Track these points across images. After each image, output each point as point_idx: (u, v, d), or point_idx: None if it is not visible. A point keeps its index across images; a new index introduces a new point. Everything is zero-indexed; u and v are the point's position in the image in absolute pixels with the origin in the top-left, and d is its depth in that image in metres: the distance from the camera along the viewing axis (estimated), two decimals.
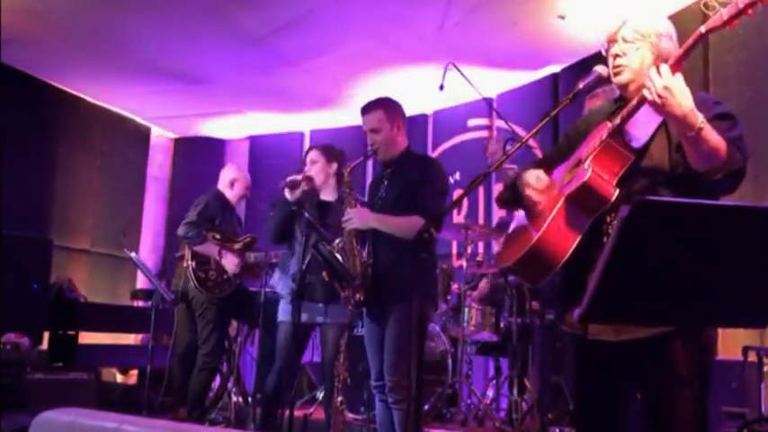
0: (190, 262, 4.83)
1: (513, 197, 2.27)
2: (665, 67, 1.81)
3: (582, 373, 2.19)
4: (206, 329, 4.79)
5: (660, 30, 2.09)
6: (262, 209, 4.82)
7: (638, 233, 1.45)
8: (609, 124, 2.04)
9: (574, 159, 2.14)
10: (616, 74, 2.11)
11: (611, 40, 2.13)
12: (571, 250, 1.98)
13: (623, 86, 2.12)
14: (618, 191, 1.96)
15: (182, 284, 4.88)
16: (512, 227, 2.32)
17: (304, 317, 3.94)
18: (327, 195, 4.13)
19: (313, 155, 4.12)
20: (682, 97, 1.79)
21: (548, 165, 2.27)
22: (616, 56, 2.10)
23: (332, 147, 4.21)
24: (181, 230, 4.84)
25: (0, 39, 5.63)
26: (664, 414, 1.95)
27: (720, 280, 1.53)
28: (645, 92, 1.84)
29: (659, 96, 1.80)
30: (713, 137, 1.82)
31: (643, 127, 2.04)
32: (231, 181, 5.06)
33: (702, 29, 1.81)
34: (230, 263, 4.83)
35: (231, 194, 5.06)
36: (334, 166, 4.10)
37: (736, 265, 1.51)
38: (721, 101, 2.05)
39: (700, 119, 1.80)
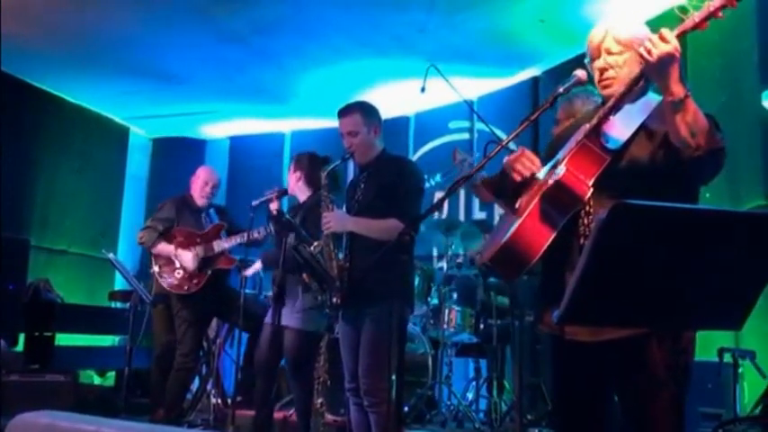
0: (154, 267, 4.92)
1: (500, 187, 2.27)
2: (668, 32, 1.83)
3: (559, 373, 2.20)
4: (182, 328, 4.80)
5: (641, 37, 2.09)
6: (243, 208, 4.80)
7: (616, 236, 1.46)
8: (587, 126, 2.05)
9: (554, 161, 2.15)
10: (605, 86, 2.11)
11: (596, 54, 2.12)
12: (545, 247, 1.98)
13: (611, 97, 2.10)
14: (591, 190, 1.97)
15: (155, 286, 4.93)
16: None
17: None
18: (301, 198, 4.44)
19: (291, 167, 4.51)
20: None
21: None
22: (603, 69, 2.10)
23: (298, 155, 4.54)
24: (137, 237, 4.99)
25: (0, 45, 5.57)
26: (641, 415, 1.97)
27: (696, 283, 1.54)
28: (642, 51, 1.85)
29: (660, 58, 1.81)
30: (695, 107, 1.86)
31: (622, 128, 2.05)
32: (200, 182, 5.11)
33: (675, 32, 1.84)
34: (186, 259, 4.87)
35: (197, 195, 5.10)
36: (298, 173, 4.41)
37: (713, 269, 1.53)
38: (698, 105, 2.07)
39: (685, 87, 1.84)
